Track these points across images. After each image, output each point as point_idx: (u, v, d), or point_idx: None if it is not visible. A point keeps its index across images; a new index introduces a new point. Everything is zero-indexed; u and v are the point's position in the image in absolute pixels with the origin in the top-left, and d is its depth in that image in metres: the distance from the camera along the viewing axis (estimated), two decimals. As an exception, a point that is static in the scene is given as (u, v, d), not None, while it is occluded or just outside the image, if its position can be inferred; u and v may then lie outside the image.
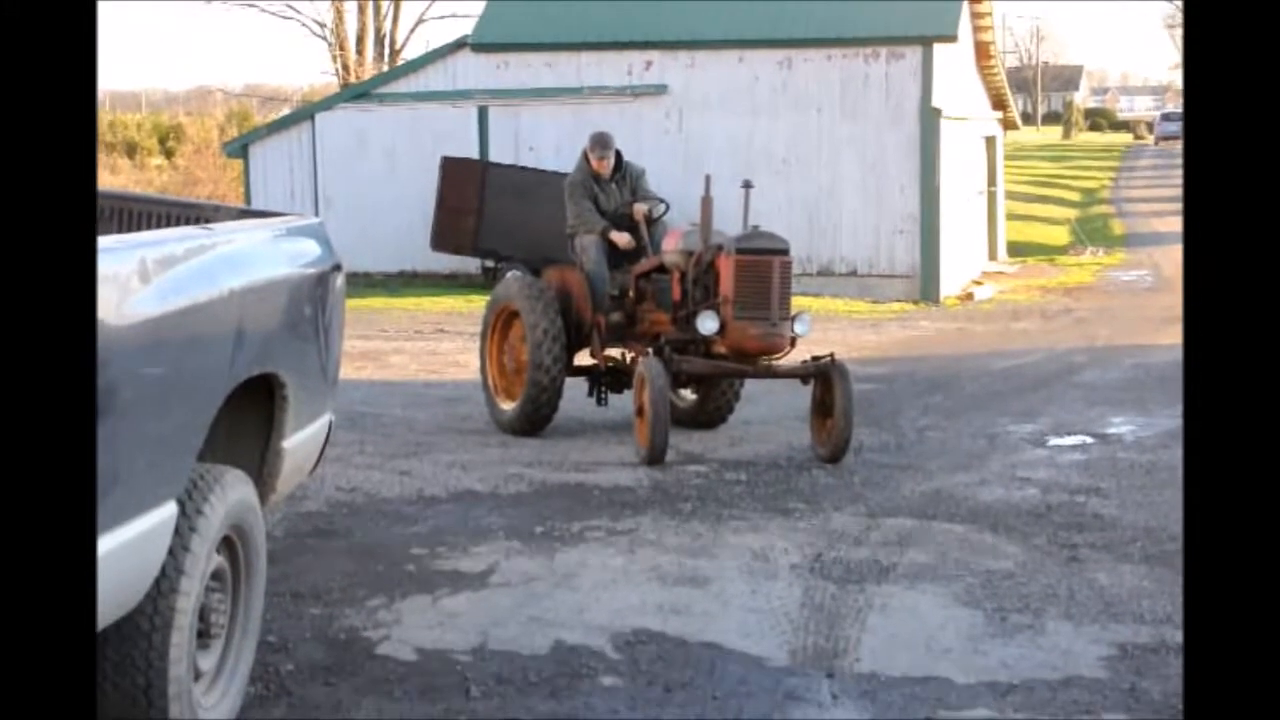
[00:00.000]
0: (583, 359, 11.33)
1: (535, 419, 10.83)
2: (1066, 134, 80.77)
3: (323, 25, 41.72)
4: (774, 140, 23.38)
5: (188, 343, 4.54)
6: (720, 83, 23.65)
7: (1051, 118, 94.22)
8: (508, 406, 11.05)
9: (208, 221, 5.93)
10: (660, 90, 23.73)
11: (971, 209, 26.86)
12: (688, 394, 11.28)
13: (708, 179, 10.82)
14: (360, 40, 40.35)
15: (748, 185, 10.85)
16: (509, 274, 11.64)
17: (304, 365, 5.59)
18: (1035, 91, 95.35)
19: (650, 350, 10.15)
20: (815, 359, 10.26)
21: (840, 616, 6.53)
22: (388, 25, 41.05)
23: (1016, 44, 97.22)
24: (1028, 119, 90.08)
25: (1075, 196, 46.15)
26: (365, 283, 23.99)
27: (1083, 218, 39.87)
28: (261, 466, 5.52)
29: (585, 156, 11.37)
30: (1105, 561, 7.45)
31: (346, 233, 24.73)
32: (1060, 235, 35.53)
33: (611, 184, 11.36)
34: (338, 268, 6.09)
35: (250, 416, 5.42)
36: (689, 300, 10.39)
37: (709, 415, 11.22)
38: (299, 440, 5.64)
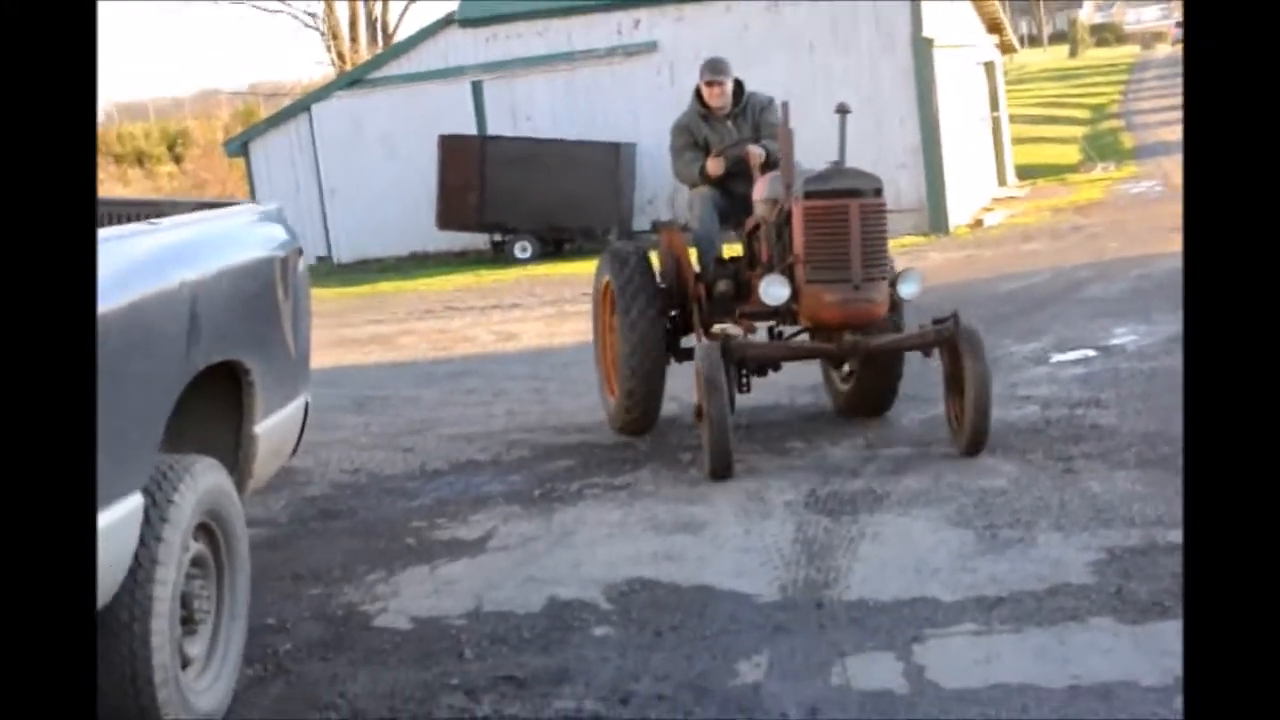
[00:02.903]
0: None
1: (632, 409, 8.90)
2: (1073, 53, 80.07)
3: (314, 16, 41.82)
4: (769, 86, 22.96)
5: (137, 337, 4.59)
6: (710, 34, 23.47)
7: (1058, 37, 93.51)
8: (611, 401, 9.30)
9: (161, 216, 5.98)
10: (650, 48, 23.70)
11: (975, 136, 26.75)
12: (837, 378, 9.37)
13: (785, 106, 8.85)
14: (353, 27, 40.39)
15: (843, 110, 8.82)
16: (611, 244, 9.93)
17: (269, 350, 5.65)
18: (1038, 12, 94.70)
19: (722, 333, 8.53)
20: (936, 322, 8.17)
21: (832, 548, 6.56)
22: (379, 10, 41.08)
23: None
24: (1033, 40, 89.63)
25: (1084, 114, 45.84)
26: (376, 268, 24.12)
27: (1092, 134, 39.64)
28: (236, 453, 5.57)
29: (697, 92, 9.41)
30: (1100, 470, 7.46)
31: (352, 220, 25.05)
32: (1070, 154, 35.30)
33: (728, 122, 9.32)
34: (299, 251, 6.13)
35: (219, 404, 5.48)
36: (773, 262, 8.50)
37: (868, 400, 9.11)
38: (272, 424, 5.69)
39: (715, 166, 9.14)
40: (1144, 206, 23.75)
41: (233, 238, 5.58)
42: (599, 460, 8.67)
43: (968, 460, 7.84)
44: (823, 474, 7.85)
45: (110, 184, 39.29)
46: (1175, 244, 16.31)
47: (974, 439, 7.82)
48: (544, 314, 16.67)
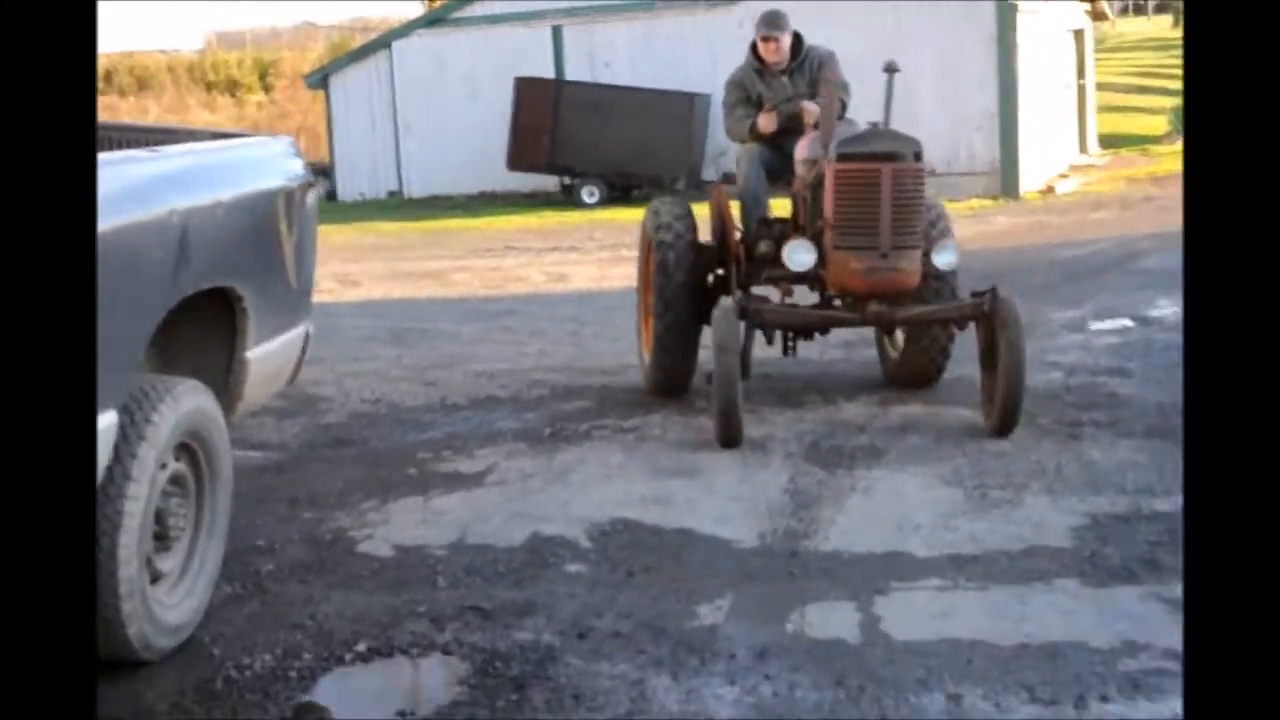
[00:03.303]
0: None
1: (662, 373, 8.64)
2: (1176, 22, 78.87)
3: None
4: (850, 44, 23.07)
5: (120, 261, 4.67)
6: (790, -11, 23.44)
7: (1161, 7, 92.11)
8: (646, 356, 8.98)
9: (174, 143, 6.08)
10: (730, 2, 23.59)
11: (1058, 103, 26.48)
12: (890, 347, 9.08)
13: (831, 56, 8.67)
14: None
15: (891, 69, 8.47)
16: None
17: (265, 279, 5.72)
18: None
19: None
20: (975, 295, 7.82)
21: (820, 500, 6.59)
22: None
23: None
24: (1137, 9, 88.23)
25: (1177, 85, 45.15)
26: (446, 205, 24.29)
27: (1181, 106, 39.08)
28: (227, 377, 5.67)
29: (753, 46, 9.03)
30: (1104, 438, 7.44)
31: (426, 157, 25.22)
32: (1158, 125, 34.85)
33: (784, 77, 8.96)
34: (309, 185, 6.22)
35: (214, 329, 5.58)
36: (805, 226, 8.32)
37: (913, 371, 8.78)
38: (266, 351, 5.78)
39: (766, 123, 8.80)
40: (1222, 180, 23.43)
41: (234, 169, 5.66)
42: (614, 403, 8.73)
43: (977, 420, 7.82)
44: (830, 428, 7.87)
45: (196, 110, 39.66)
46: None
47: (1004, 419, 7.50)
48: (599, 258, 16.73)
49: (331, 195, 26.43)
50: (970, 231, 18.29)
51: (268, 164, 5.98)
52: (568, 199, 23.53)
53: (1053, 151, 25.57)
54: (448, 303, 13.92)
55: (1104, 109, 34.17)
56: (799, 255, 7.89)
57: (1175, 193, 21.84)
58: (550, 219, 21.57)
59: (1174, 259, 14.36)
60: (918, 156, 7.74)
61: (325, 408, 8.94)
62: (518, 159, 23.42)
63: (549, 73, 24.09)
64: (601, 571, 5.78)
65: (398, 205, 24.66)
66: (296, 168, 6.12)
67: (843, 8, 23.03)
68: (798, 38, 9.05)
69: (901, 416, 8.05)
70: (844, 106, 8.72)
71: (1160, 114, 36.78)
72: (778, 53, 8.92)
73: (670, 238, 8.54)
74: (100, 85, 44.28)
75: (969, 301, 7.84)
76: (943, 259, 7.91)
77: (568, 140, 22.92)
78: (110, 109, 38.01)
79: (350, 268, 17.04)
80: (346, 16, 64.05)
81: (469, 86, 24.68)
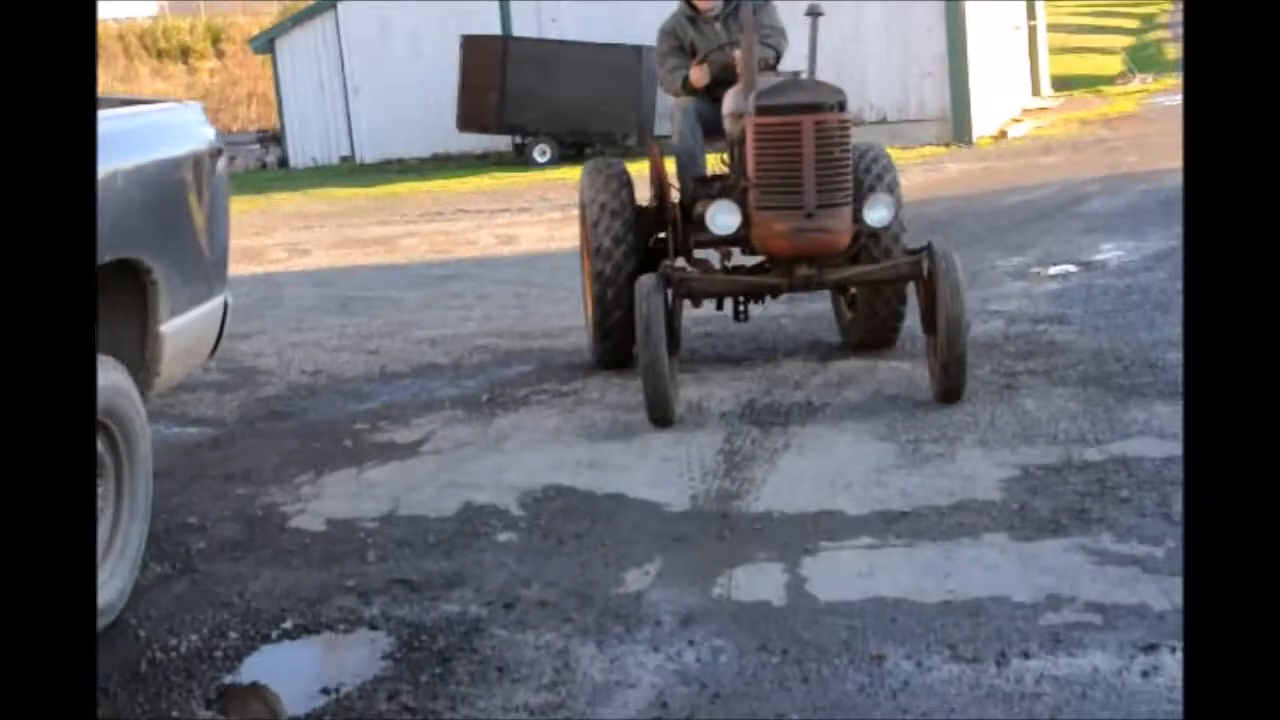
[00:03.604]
0: None
1: (608, 332, 8.12)
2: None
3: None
4: (795, -8, 23.09)
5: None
6: (737, -63, 23.33)
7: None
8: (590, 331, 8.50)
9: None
10: (678, -50, 23.43)
11: (1007, 46, 26.47)
12: (845, 309, 8.69)
13: (747, 6, 7.92)
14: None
15: (814, 13, 8.02)
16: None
17: (175, 250, 5.66)
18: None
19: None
20: (910, 253, 7.52)
21: (753, 459, 6.58)
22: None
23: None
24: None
25: (1133, 25, 45.25)
26: (398, 168, 24.17)
27: (1136, 46, 39.16)
28: (142, 352, 5.61)
29: None
30: (1039, 387, 7.44)
31: (377, 120, 25.08)
32: (1112, 66, 34.87)
33: (717, 24, 8.50)
34: (218, 152, 6.14)
35: (125, 303, 5.52)
36: (735, 185, 7.80)
37: (867, 333, 8.40)
38: (180, 324, 5.72)
39: (698, 75, 8.32)
40: (1173, 119, 23.43)
41: (134, 136, 5.57)
42: (554, 367, 8.70)
43: (915, 373, 7.80)
44: (767, 385, 7.86)
45: (147, 79, 39.33)
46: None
47: (947, 385, 7.10)
48: (549, 218, 16.66)
49: (284, 162, 26.26)
50: (920, 179, 18.30)
51: (173, 131, 5.89)
52: (519, 159, 23.42)
53: (1005, 95, 25.56)
54: (395, 269, 13.86)
55: (1056, 50, 34.20)
56: (721, 218, 7.41)
57: (1126, 134, 21.91)
58: (502, 180, 21.47)
59: (1119, 202, 14.45)
60: (841, 107, 7.33)
61: (264, 380, 8.89)
62: (467, 120, 23.29)
63: (494, 29, 23.92)
64: (532, 540, 5.76)
65: (350, 171, 24.53)
66: (206, 135, 6.04)
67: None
68: None
69: (840, 372, 8.03)
70: (778, 55, 8.41)
71: (1114, 54, 36.82)
72: (709, 1, 8.47)
73: (603, 181, 8.14)
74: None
75: (904, 260, 7.50)
76: (875, 215, 7.41)
77: (516, 99, 22.79)
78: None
79: (300, 235, 16.96)
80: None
81: (416, 46, 24.53)
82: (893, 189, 8.03)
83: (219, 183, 6.12)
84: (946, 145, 22.32)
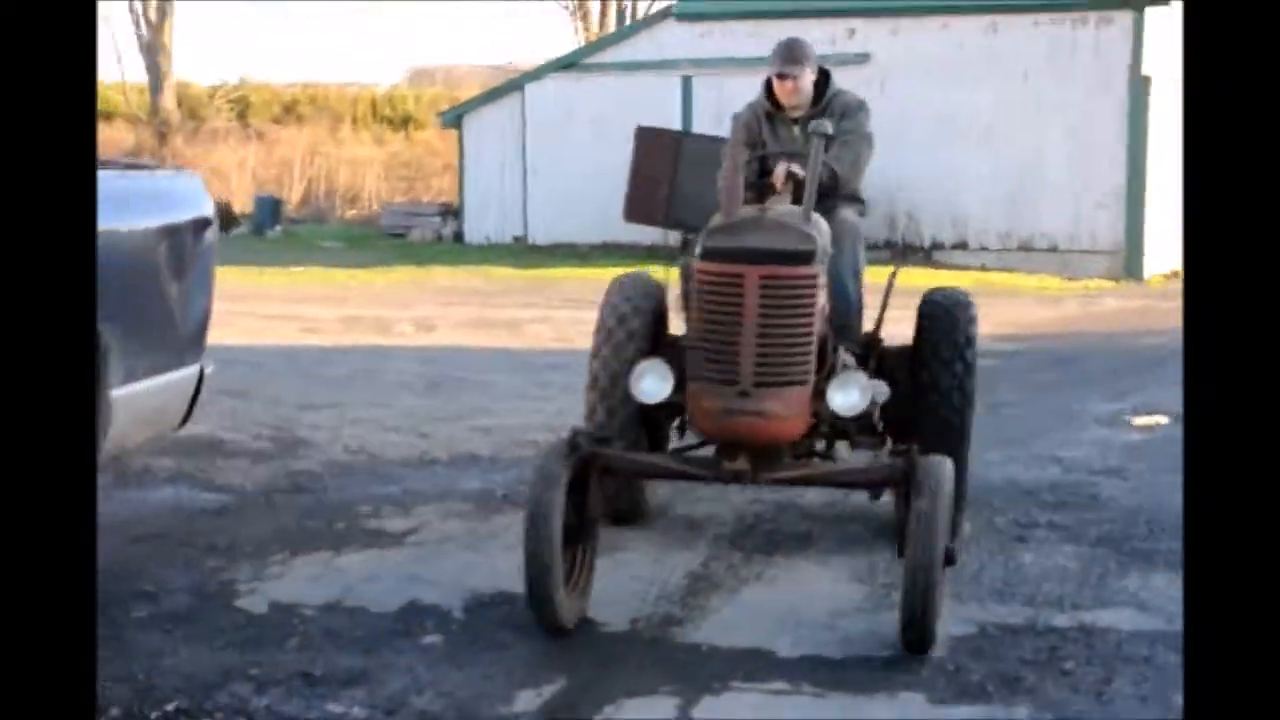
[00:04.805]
0: None
1: (610, 492, 6.54)
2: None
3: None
4: (978, 109, 22.90)
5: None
6: (924, 50, 23.28)
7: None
8: None
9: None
10: (863, 59, 23.45)
11: (1196, 182, 25.87)
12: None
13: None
14: (603, 13, 40.89)
15: (820, 131, 6.38)
16: None
17: (133, 317, 5.72)
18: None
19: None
20: (894, 452, 5.87)
21: (718, 588, 6.43)
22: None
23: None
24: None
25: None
26: (567, 253, 24.36)
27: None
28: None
29: (766, 83, 7.35)
30: (1049, 542, 7.16)
31: (552, 203, 25.36)
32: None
33: (795, 127, 7.25)
34: (205, 222, 6.22)
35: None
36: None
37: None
38: (135, 392, 5.79)
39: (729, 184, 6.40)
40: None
41: (109, 202, 5.65)
42: (586, 469, 8.61)
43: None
44: (778, 511, 7.69)
45: (357, 144, 40.33)
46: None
47: (907, 622, 5.44)
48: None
49: (459, 236, 26.67)
50: (1071, 313, 17.97)
51: (155, 200, 5.98)
52: (685, 254, 23.43)
53: (1188, 233, 24.94)
54: (507, 353, 13.94)
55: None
56: (645, 383, 5.97)
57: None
58: (657, 273, 21.48)
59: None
60: (805, 258, 5.91)
61: (304, 454, 8.96)
62: (635, 210, 23.43)
63: (676, 123, 24.10)
64: (454, 646, 5.68)
65: (519, 251, 24.83)
66: (198, 205, 6.12)
67: (975, 71, 22.79)
68: (824, 76, 7.32)
69: (860, 504, 7.80)
70: (836, 177, 6.96)
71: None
72: (795, 93, 7.20)
73: (619, 299, 7.24)
74: (277, 113, 45.38)
75: (879, 465, 6.03)
76: (844, 400, 5.88)
77: (685, 194, 22.82)
78: (269, 136, 38.90)
79: (437, 311, 17.18)
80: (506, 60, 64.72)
81: (597, 132, 24.81)
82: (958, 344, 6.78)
83: (204, 253, 6.20)
84: (1116, 280, 21.85)
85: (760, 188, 7.13)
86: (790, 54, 7.18)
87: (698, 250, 6.02)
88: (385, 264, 23.43)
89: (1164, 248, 22.91)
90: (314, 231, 30.70)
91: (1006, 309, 17.73)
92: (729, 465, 5.92)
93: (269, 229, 29.87)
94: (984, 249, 23.05)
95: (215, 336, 6.80)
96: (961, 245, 23.15)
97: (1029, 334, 15.67)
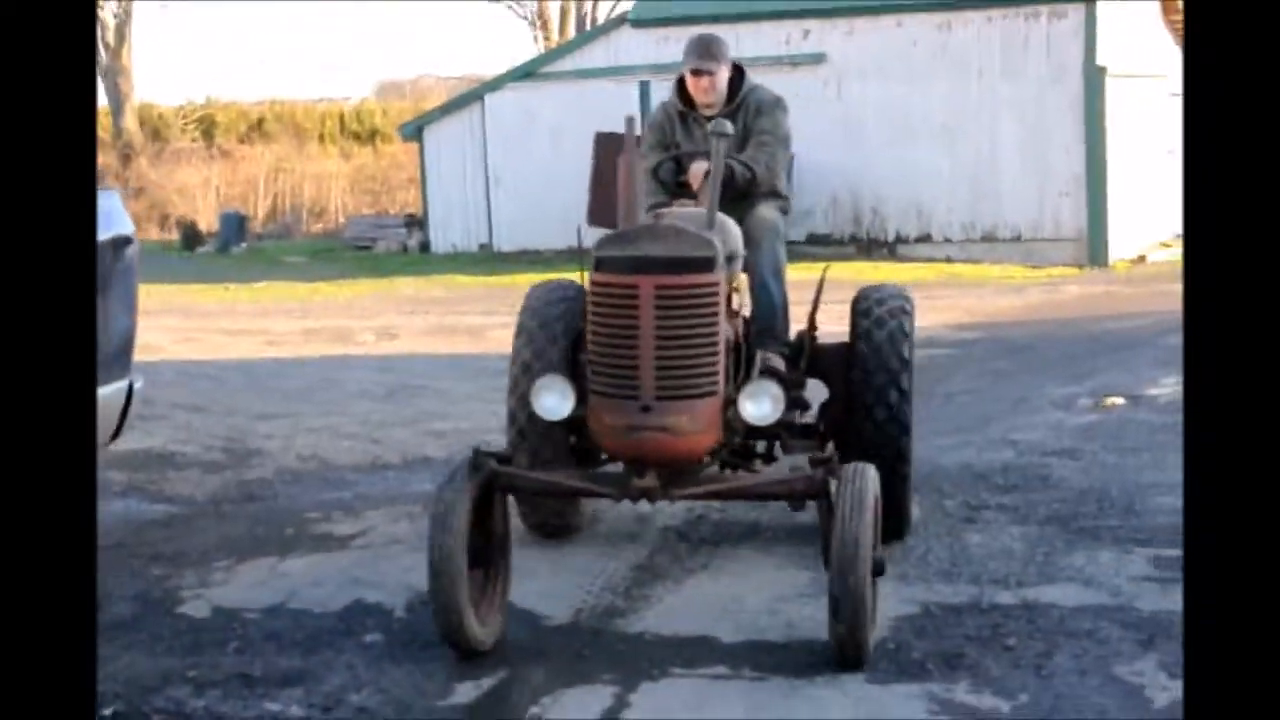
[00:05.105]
0: None
1: (529, 506, 6.81)
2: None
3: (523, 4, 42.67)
4: (933, 105, 22.95)
5: None
6: (879, 49, 23.31)
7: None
8: None
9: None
10: (818, 59, 23.50)
11: (1157, 171, 25.91)
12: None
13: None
14: (563, 21, 40.93)
15: (719, 131, 5.99)
16: None
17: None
18: None
19: None
20: (815, 462, 5.52)
21: (663, 578, 6.42)
22: (589, 6, 41.53)
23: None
24: None
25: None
26: (533, 260, 24.32)
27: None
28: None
29: (679, 81, 7.11)
30: (997, 523, 7.16)
31: (516, 211, 25.34)
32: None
33: (709, 124, 6.62)
34: (126, 240, 6.19)
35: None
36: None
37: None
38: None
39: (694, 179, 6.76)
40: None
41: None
42: (537, 468, 8.60)
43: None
44: (732, 505, 7.65)
45: (323, 158, 40.27)
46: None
47: (839, 633, 5.17)
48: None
49: (425, 247, 26.65)
50: (1034, 300, 17.99)
51: None
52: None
53: (1152, 220, 25.00)
54: (466, 359, 13.90)
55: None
56: (544, 399, 5.64)
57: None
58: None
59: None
60: (705, 265, 5.55)
61: (257, 463, 8.94)
62: (598, 215, 23.37)
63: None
64: (393, 645, 5.66)
65: (485, 259, 24.81)
66: (113, 224, 6.09)
67: (928, 68, 22.86)
68: (739, 73, 7.11)
69: (809, 493, 7.81)
70: (753, 175, 6.81)
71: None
72: (710, 90, 6.96)
73: (537, 306, 6.74)
74: (243, 131, 45.30)
75: (798, 475, 5.60)
76: (755, 409, 5.58)
77: (647, 197, 22.86)
78: (234, 154, 38.82)
79: (399, 320, 17.16)
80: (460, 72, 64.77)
81: (557, 140, 24.79)
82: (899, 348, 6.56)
83: (125, 270, 6.16)
84: (1080, 267, 21.91)
85: (677, 188, 6.99)
86: (705, 50, 6.97)
87: (592, 261, 5.70)
88: (349, 276, 23.41)
89: (1127, 234, 22.98)
90: (279, 247, 30.64)
91: (968, 299, 17.79)
92: (637, 483, 5.60)
93: (234, 246, 29.83)
94: (948, 241, 23.09)
95: (177, 353, 6.80)
96: (926, 238, 23.19)
97: (989, 322, 15.69)
